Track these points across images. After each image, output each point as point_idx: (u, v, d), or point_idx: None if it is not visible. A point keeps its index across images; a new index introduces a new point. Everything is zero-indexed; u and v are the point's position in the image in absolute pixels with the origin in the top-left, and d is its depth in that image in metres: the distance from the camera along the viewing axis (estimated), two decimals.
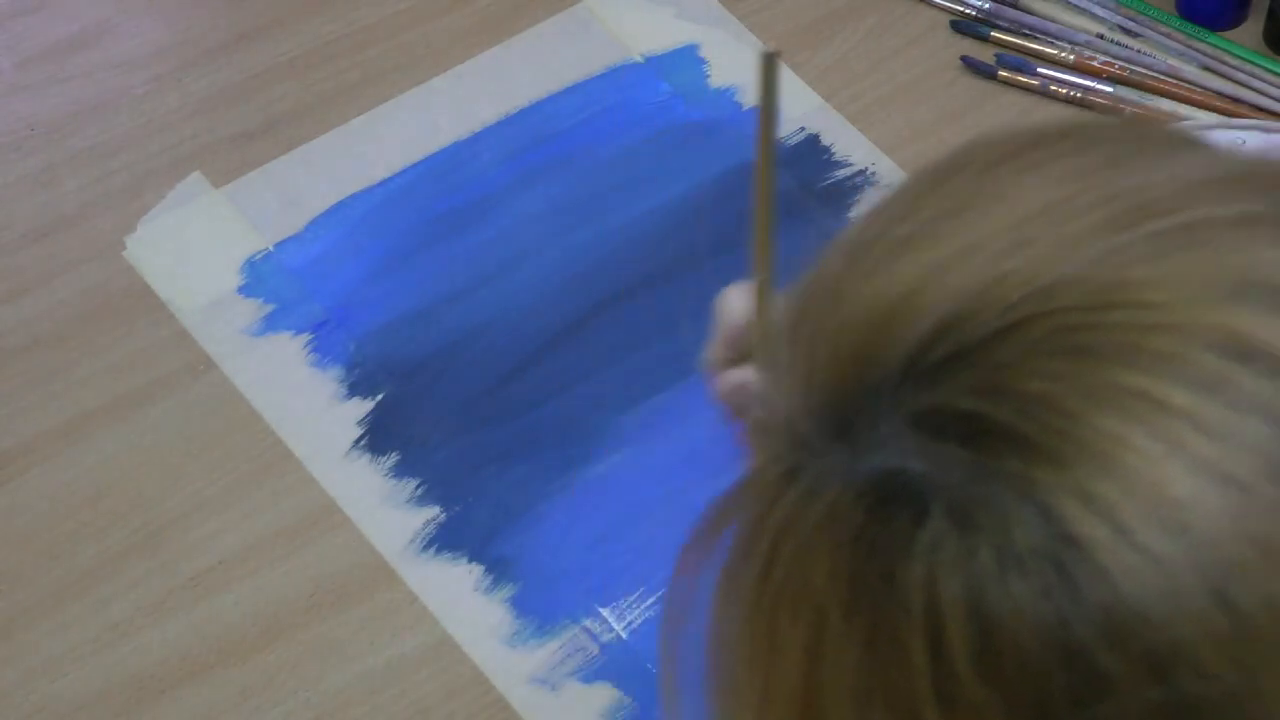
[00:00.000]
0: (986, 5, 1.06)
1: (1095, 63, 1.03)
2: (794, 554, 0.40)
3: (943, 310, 0.39)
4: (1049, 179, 0.40)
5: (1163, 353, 0.37)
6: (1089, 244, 0.38)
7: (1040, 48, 1.04)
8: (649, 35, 1.04)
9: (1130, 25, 1.05)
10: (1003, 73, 1.03)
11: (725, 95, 1.02)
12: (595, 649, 0.84)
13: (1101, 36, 1.05)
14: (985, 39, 1.05)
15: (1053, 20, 1.06)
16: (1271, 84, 1.02)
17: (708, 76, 1.03)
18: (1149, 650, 0.36)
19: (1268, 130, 1.00)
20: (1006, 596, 0.36)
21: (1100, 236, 0.39)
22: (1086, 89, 1.02)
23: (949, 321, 0.38)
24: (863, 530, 0.38)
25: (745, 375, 0.70)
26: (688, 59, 1.03)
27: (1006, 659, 0.36)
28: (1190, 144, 0.43)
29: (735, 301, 0.70)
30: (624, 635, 0.84)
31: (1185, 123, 0.97)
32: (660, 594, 0.86)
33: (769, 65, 0.54)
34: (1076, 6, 1.06)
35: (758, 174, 0.63)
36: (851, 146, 1.00)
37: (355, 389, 0.91)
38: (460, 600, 0.85)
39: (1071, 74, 1.03)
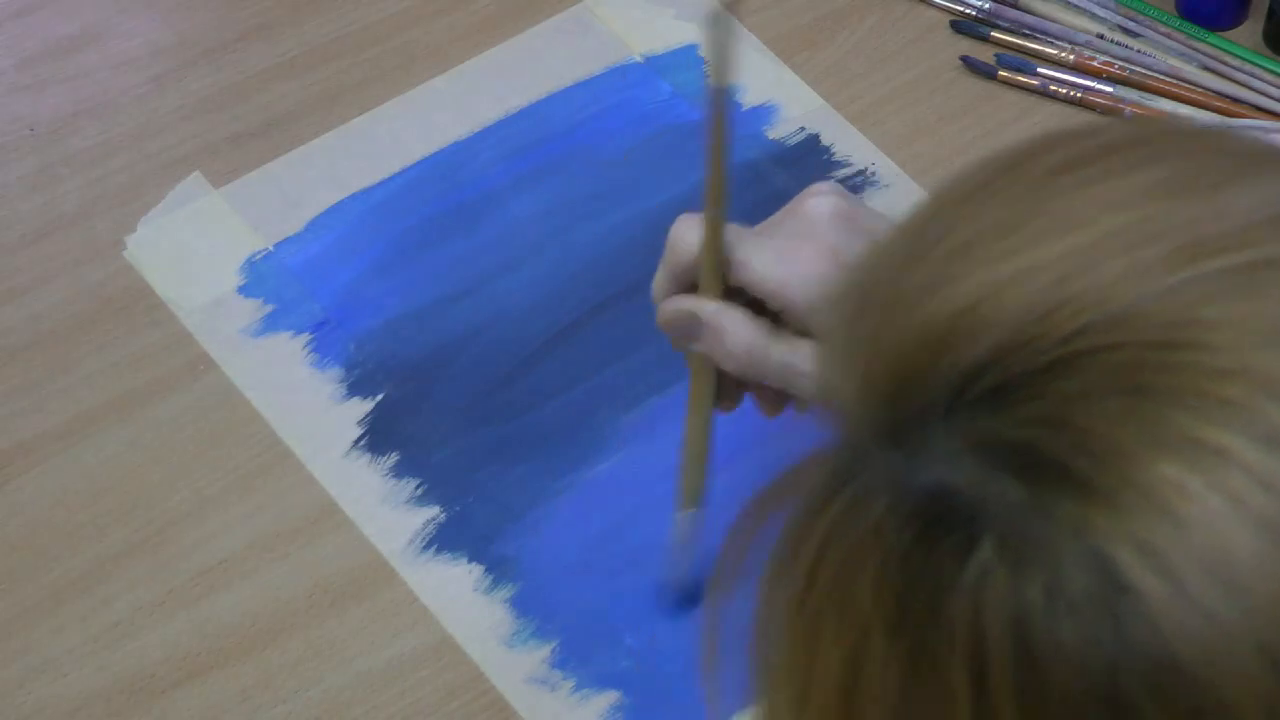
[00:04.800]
0: (986, 5, 1.06)
1: (1095, 63, 1.03)
2: (840, 564, 0.39)
3: (1003, 330, 0.38)
4: (1118, 196, 0.39)
5: (1229, 401, 0.36)
6: (1157, 275, 0.38)
7: (1040, 48, 1.04)
8: (649, 35, 1.04)
9: (1130, 25, 1.05)
10: (1003, 73, 1.03)
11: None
12: (595, 649, 0.84)
13: (1101, 36, 1.05)
14: (985, 39, 1.05)
15: (1053, 20, 1.05)
16: (1271, 84, 1.02)
17: (708, 76, 1.03)
18: (1194, 707, 0.35)
19: (1267, 130, 1.00)
20: (1054, 638, 0.36)
21: (1169, 268, 0.38)
22: (1086, 89, 1.02)
23: (1009, 343, 0.38)
24: (910, 551, 0.38)
25: (686, 303, 0.71)
26: (688, 59, 1.03)
27: (1049, 700, 0.36)
28: (1270, 164, 0.41)
29: (686, 233, 0.71)
30: (624, 635, 0.84)
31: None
32: (659, 595, 0.86)
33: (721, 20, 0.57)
34: (1076, 6, 1.06)
35: (712, 111, 0.66)
36: (851, 146, 1.00)
37: (355, 389, 0.91)
38: (460, 600, 0.85)
39: (1071, 74, 1.03)
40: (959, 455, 0.38)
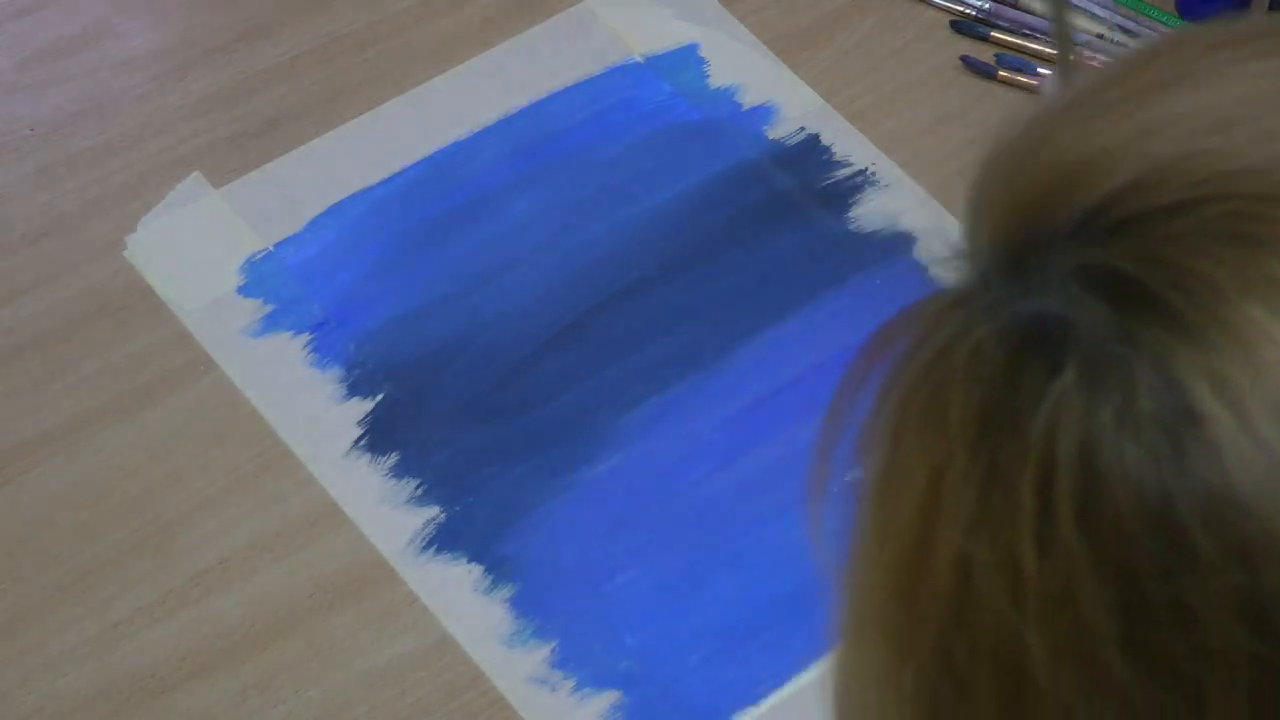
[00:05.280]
0: (986, 5, 1.06)
1: (1095, 63, 1.03)
2: (937, 384, 0.41)
3: (1132, 172, 0.40)
4: (1264, 70, 0.41)
5: None
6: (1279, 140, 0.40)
7: (1040, 48, 1.04)
8: (649, 35, 1.04)
9: (1130, 25, 1.05)
10: (1003, 73, 1.03)
11: (725, 95, 1.02)
12: (595, 649, 0.84)
13: (1101, 36, 1.05)
14: (985, 39, 1.05)
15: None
16: None
17: (708, 76, 1.03)
18: (1242, 539, 0.37)
19: None
20: (1118, 457, 0.38)
21: None
22: None
23: (1135, 185, 0.40)
24: (1002, 371, 0.40)
25: None
26: (688, 59, 1.04)
27: (1105, 517, 0.38)
28: None
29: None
30: (624, 635, 0.84)
31: None
32: (658, 594, 0.86)
33: None
34: (1076, 6, 1.06)
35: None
36: (851, 146, 1.00)
37: (355, 389, 0.91)
38: (460, 600, 0.85)
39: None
40: (1065, 283, 0.40)
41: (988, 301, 0.41)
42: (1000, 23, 1.06)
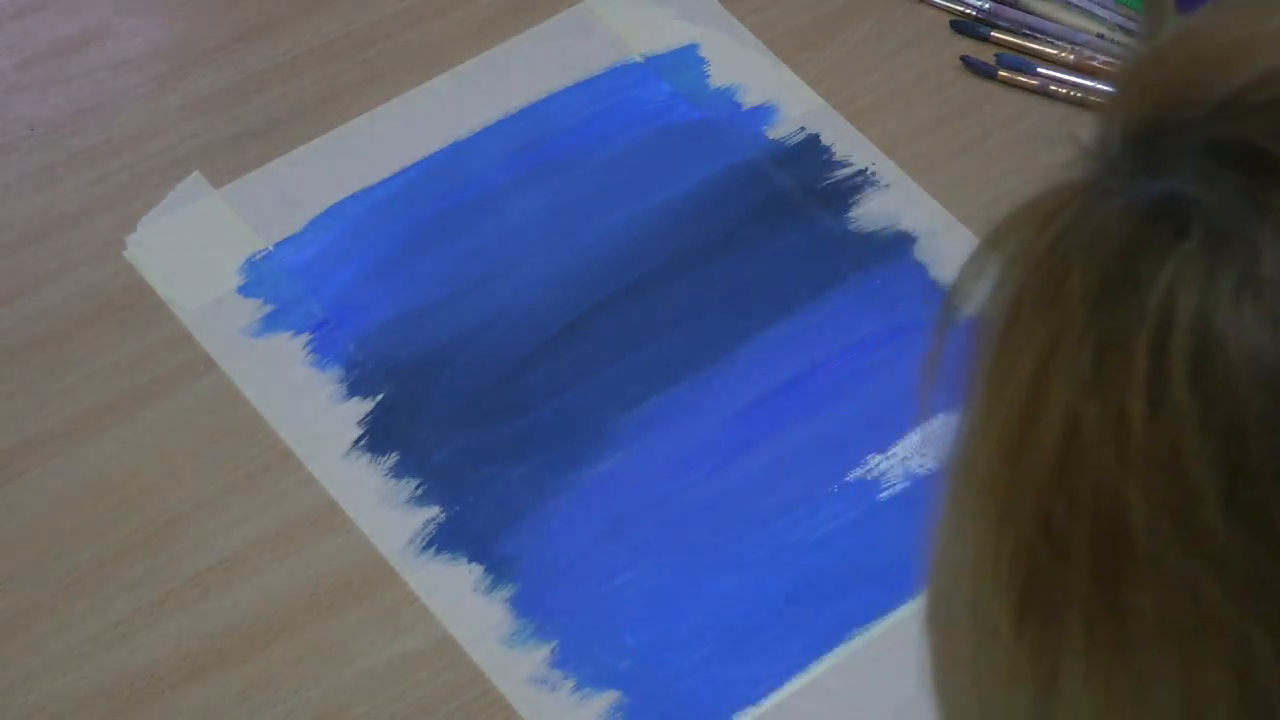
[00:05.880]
0: (986, 5, 1.06)
1: (1095, 63, 1.03)
2: (1062, 257, 0.42)
3: (1273, 60, 0.41)
4: None
5: None
6: None
7: (1040, 48, 1.04)
8: (649, 35, 1.04)
9: (1130, 25, 1.05)
10: (1003, 73, 1.03)
11: (725, 95, 1.02)
12: (595, 649, 0.84)
13: (1101, 36, 1.05)
14: (985, 39, 1.05)
15: (1053, 20, 1.06)
16: None
17: (708, 76, 1.03)
18: None
19: None
20: (1234, 317, 0.39)
21: None
22: (1086, 89, 1.02)
23: (1275, 71, 0.41)
24: (1126, 242, 0.41)
25: None
26: (688, 59, 1.03)
27: (1217, 374, 0.39)
28: None
29: None
30: (624, 635, 0.84)
31: None
32: (658, 594, 0.86)
33: None
34: (1076, 6, 1.06)
35: None
36: (851, 146, 1.00)
37: (355, 389, 0.91)
38: (460, 600, 0.85)
39: (1071, 74, 1.03)
40: (1194, 159, 0.41)
41: (1115, 184, 0.42)
42: (1000, 23, 1.06)
